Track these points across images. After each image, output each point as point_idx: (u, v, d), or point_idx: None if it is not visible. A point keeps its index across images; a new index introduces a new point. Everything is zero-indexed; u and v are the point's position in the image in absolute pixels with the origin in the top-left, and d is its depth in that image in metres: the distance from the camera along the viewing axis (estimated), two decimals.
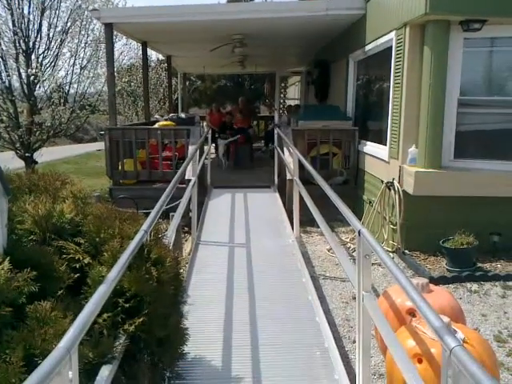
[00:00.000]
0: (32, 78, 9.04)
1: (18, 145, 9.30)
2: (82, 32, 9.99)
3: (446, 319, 2.47)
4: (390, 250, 5.63)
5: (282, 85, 18.54)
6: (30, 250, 2.03)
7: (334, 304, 4.35)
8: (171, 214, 4.65)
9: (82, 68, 10.09)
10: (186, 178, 6.12)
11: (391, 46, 6.06)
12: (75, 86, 10.05)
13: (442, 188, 5.28)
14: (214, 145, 12.36)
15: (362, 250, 2.41)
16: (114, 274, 1.84)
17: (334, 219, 6.29)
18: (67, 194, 2.58)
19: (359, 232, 2.44)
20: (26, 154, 9.27)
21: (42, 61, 9.35)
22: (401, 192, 5.48)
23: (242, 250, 5.06)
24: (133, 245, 2.13)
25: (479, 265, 4.98)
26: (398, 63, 5.80)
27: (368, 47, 7.14)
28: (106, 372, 1.74)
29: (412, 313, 3.17)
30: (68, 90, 10.09)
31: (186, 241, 5.99)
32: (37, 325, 1.66)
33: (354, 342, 3.60)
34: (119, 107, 16.55)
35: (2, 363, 1.51)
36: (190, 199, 5.39)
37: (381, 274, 5.01)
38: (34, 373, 1.20)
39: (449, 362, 1.40)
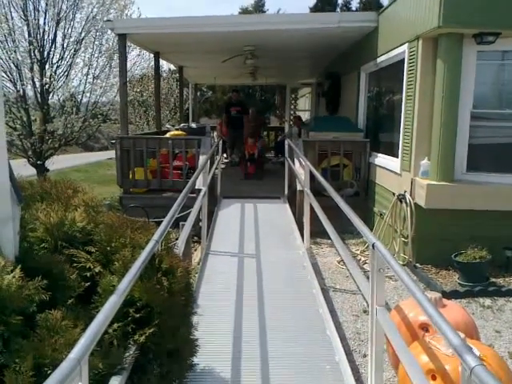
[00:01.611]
0: (46, 87, 9.15)
1: (30, 152, 9.39)
2: (96, 42, 10.13)
3: (461, 335, 2.42)
4: (401, 263, 5.56)
5: (293, 96, 18.58)
6: (42, 258, 2.02)
7: (344, 317, 4.29)
8: (181, 223, 4.64)
9: (94, 78, 10.21)
10: (197, 187, 6.12)
11: (404, 59, 6.04)
12: (88, 95, 10.17)
13: (454, 201, 5.22)
14: (224, 155, 12.40)
15: (376, 263, 2.37)
16: (125, 285, 1.82)
17: (345, 231, 6.25)
18: (79, 202, 2.57)
19: (373, 245, 2.40)
20: (38, 162, 9.36)
21: (55, 70, 9.47)
22: (412, 205, 5.43)
23: (251, 261, 5.03)
24: (144, 254, 2.12)
25: (492, 279, 4.90)
26: (410, 76, 5.78)
27: (380, 59, 7.13)
28: (115, 383, 1.71)
29: (425, 327, 3.11)
30: (81, 99, 10.20)
31: (195, 250, 5.97)
32: (47, 334, 1.64)
33: (365, 356, 3.54)
34: (131, 117, 16.70)
35: (12, 372, 1.49)
36: (200, 209, 5.38)
37: (392, 288, 4.95)
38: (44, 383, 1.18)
39: (469, 382, 1.35)
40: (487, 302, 4.58)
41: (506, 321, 4.23)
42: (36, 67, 9.15)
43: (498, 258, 5.05)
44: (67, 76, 9.62)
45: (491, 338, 3.92)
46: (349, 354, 3.57)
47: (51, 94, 9.48)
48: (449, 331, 1.53)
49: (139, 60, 13.59)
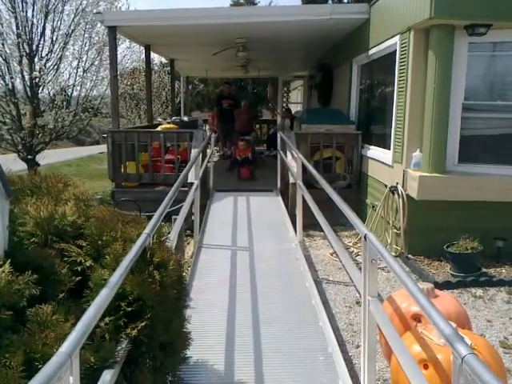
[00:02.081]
0: (35, 80, 9.04)
1: (20, 147, 9.29)
2: (86, 35, 10.01)
3: (452, 325, 2.43)
4: (393, 254, 5.58)
5: (285, 89, 18.53)
6: (32, 252, 2.00)
7: (337, 308, 4.31)
8: (174, 217, 4.63)
9: (85, 71, 10.10)
10: (189, 181, 6.09)
11: (395, 51, 6.04)
12: (78, 88, 10.06)
13: (446, 192, 5.24)
14: (216, 148, 12.36)
15: (368, 254, 2.37)
16: (116, 278, 1.81)
17: (337, 223, 6.26)
18: (69, 196, 2.55)
19: (365, 236, 2.41)
20: (29, 157, 9.27)
21: (45, 63, 9.35)
22: (404, 196, 5.45)
23: (244, 254, 5.03)
24: (135, 248, 2.10)
25: (484, 270, 4.94)
26: (402, 67, 5.78)
27: (372, 51, 7.12)
28: (107, 377, 1.71)
29: (417, 318, 3.13)
30: (71, 93, 10.10)
31: (188, 244, 5.96)
32: (37, 329, 1.63)
33: (358, 346, 3.56)
34: (122, 110, 16.57)
35: (2, 367, 1.48)
36: (192, 202, 5.36)
37: (384, 279, 4.97)
38: (34, 378, 1.17)
39: (460, 371, 1.36)
40: (479, 292, 4.61)
41: (497, 310, 4.26)
42: (25, 60, 9.04)
43: (489, 249, 5.09)
44: (57, 69, 9.52)
45: (482, 328, 3.96)
46: (342, 345, 3.58)
47: (41, 88, 9.37)
48: (440, 321, 1.53)
49: (129, 53, 13.47)
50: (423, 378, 1.98)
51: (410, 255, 5.41)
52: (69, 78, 9.93)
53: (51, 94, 9.62)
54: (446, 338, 1.45)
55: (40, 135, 9.28)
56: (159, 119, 12.33)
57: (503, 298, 4.50)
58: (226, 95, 12.13)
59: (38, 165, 9.50)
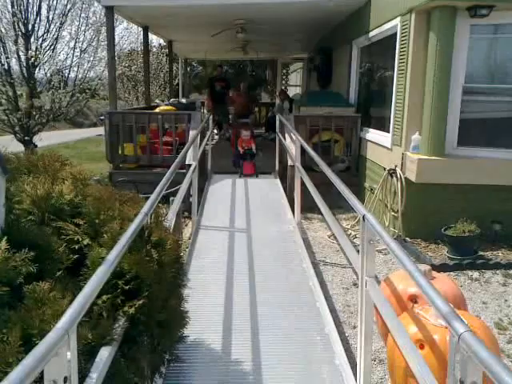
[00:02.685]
0: (31, 60, 8.94)
1: (17, 128, 9.23)
2: (83, 15, 9.88)
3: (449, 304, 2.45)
4: None
5: (284, 71, 18.38)
6: (28, 230, 1.99)
7: (334, 290, 4.33)
8: (171, 198, 4.61)
9: (82, 51, 9.99)
10: (187, 162, 6.07)
11: (396, 33, 5.97)
12: (75, 69, 9.96)
13: (444, 176, 5.24)
14: (214, 131, 12.32)
15: (366, 235, 2.37)
16: (113, 255, 1.80)
17: (335, 206, 6.26)
18: (66, 175, 2.53)
19: (364, 217, 2.40)
20: (26, 138, 9.21)
21: (41, 43, 9.24)
22: (403, 179, 5.44)
23: (242, 235, 5.03)
24: (133, 227, 2.10)
25: (480, 253, 4.96)
26: (402, 50, 5.72)
27: (372, 33, 7.04)
28: (105, 353, 1.71)
29: (414, 299, 3.14)
30: (68, 74, 10.00)
31: (186, 225, 5.96)
32: (35, 305, 1.62)
33: (355, 327, 3.59)
34: (119, 92, 16.44)
35: (0, 343, 1.48)
36: (190, 184, 5.34)
37: (382, 261, 4.99)
38: (31, 353, 1.16)
39: (457, 348, 1.37)
40: (475, 274, 4.64)
41: (493, 292, 4.29)
42: (20, 40, 8.92)
43: (486, 232, 5.11)
44: (53, 50, 9.40)
45: (478, 310, 3.99)
46: (338, 325, 3.61)
47: (37, 69, 9.27)
48: (438, 299, 1.54)
49: (127, 34, 13.33)
50: (419, 358, 2.00)
51: (407, 238, 5.42)
52: (66, 59, 9.84)
53: (48, 75, 9.51)
54: (443, 316, 1.46)
55: (37, 116, 9.21)
56: (157, 101, 12.26)
57: (499, 280, 4.53)
58: (218, 77, 12.16)
59: (35, 146, 9.44)
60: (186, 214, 6.08)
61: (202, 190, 6.74)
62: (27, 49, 8.93)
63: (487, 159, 5.30)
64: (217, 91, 11.94)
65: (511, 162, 5.24)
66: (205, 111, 12.91)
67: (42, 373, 1.30)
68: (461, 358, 1.36)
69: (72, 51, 9.80)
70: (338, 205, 6.34)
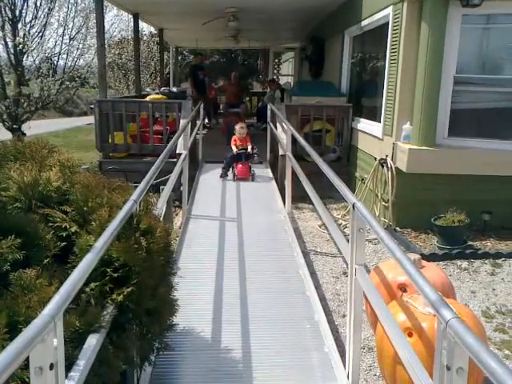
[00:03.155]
0: (19, 47, 8.79)
1: (5, 116, 9.10)
2: (71, 1, 9.74)
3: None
4: None
5: (276, 61, 18.30)
6: (15, 217, 1.97)
7: (324, 279, 4.35)
8: (162, 187, 4.59)
9: (71, 39, 9.86)
10: (178, 151, 6.04)
11: (388, 22, 5.95)
12: (64, 57, 9.83)
13: (434, 166, 5.25)
14: (206, 120, 12.25)
15: (355, 223, 2.37)
16: (101, 242, 1.79)
17: (326, 196, 6.27)
18: (54, 162, 2.50)
19: (353, 205, 2.40)
20: (14, 126, 9.09)
21: (29, 30, 9.10)
22: (394, 169, 5.45)
23: (233, 225, 5.03)
24: (122, 214, 2.08)
25: (470, 243, 5.00)
26: (394, 39, 5.70)
27: (364, 23, 7.01)
28: (93, 341, 1.70)
29: (403, 288, 3.16)
30: (57, 61, 9.87)
31: (176, 215, 5.94)
32: (21, 292, 1.61)
33: (344, 316, 3.61)
34: (110, 81, 16.27)
35: None
36: (181, 173, 5.31)
37: (371, 251, 5.02)
38: (16, 339, 1.15)
39: (444, 334, 1.37)
40: (464, 264, 4.68)
41: (481, 282, 4.34)
42: (7, 26, 8.77)
43: (475, 222, 5.14)
44: (42, 36, 9.27)
45: (466, 298, 4.03)
46: (328, 314, 3.63)
47: (25, 56, 9.13)
48: (426, 287, 1.54)
49: (117, 21, 13.17)
50: (408, 346, 2.01)
51: (397, 228, 5.45)
52: (54, 46, 9.70)
53: (36, 62, 9.38)
54: (432, 303, 1.46)
55: (25, 104, 9.09)
56: (147, 90, 12.15)
57: (487, 270, 4.57)
58: (200, 66, 12.10)
59: (24, 134, 9.32)
60: (177, 203, 6.05)
61: (193, 179, 6.71)
62: (14, 35, 8.79)
63: (477, 149, 5.32)
64: (200, 80, 11.85)
65: (501, 152, 5.27)
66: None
67: (28, 360, 1.29)
68: (448, 344, 1.36)
69: (61, 38, 9.69)
70: (328, 195, 6.35)
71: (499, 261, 4.72)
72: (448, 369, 1.38)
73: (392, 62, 5.76)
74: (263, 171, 7.51)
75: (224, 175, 6.90)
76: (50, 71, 9.43)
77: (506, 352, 3.26)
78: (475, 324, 2.59)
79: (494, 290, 4.19)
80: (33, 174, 2.22)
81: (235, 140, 7.11)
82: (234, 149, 6.98)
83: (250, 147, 7.02)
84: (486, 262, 4.71)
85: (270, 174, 7.19)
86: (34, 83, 9.17)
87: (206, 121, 12.52)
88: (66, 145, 12.92)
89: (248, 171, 6.85)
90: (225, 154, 7.06)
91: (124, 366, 2.07)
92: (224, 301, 3.42)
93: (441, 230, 5.00)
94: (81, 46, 10.08)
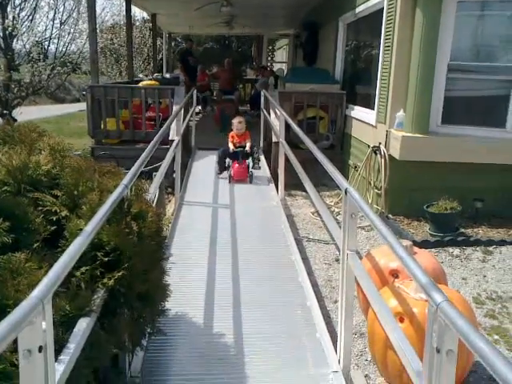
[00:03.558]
0: (8, 30, 8.65)
1: None
2: None
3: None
4: None
5: (270, 47, 18.18)
6: (3, 200, 1.94)
7: (316, 265, 4.36)
8: (154, 173, 4.56)
9: (62, 23, 9.72)
10: (170, 138, 6.00)
11: (383, 8, 5.90)
12: (55, 41, 9.70)
13: (428, 153, 5.26)
14: (199, 107, 12.18)
15: (348, 208, 2.37)
16: (92, 226, 1.77)
17: (320, 184, 6.27)
18: (44, 146, 2.47)
19: (346, 190, 2.39)
20: (4, 112, 8.99)
21: (18, 13, 8.95)
22: (387, 156, 5.45)
23: (225, 211, 5.02)
24: (112, 198, 2.06)
25: (462, 230, 5.03)
26: (388, 26, 5.66)
27: (358, 9, 6.96)
28: (83, 325, 1.69)
29: (395, 274, 3.18)
30: (48, 46, 9.74)
31: (169, 201, 5.92)
32: (10, 275, 1.59)
33: (336, 302, 3.62)
34: (102, 67, 16.10)
35: None
36: (173, 160, 5.28)
37: (364, 238, 5.03)
38: (3, 321, 1.13)
39: (435, 317, 1.38)
40: (456, 251, 4.70)
41: (472, 268, 4.37)
42: None
43: (467, 209, 5.16)
44: (32, 20, 9.13)
45: (458, 285, 4.06)
46: (320, 300, 3.64)
47: (15, 39, 8.99)
48: (417, 270, 1.54)
49: (109, 5, 13.02)
50: (399, 330, 2.02)
51: (390, 215, 5.46)
52: (45, 30, 9.56)
53: (27, 47, 9.25)
54: (423, 286, 1.46)
55: (16, 89, 8.97)
56: (140, 75, 12.04)
57: (479, 257, 4.60)
58: (190, 51, 12.01)
59: (15, 120, 9.22)
60: (170, 190, 6.03)
61: (186, 166, 6.68)
62: (3, 18, 8.64)
63: (471, 137, 5.32)
64: (191, 65, 11.78)
65: (494, 140, 5.27)
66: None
67: (17, 343, 1.28)
68: (438, 327, 1.37)
69: (51, 22, 9.54)
70: (322, 182, 6.35)
71: (490, 248, 4.75)
72: (438, 351, 1.38)
73: (386, 48, 5.73)
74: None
75: (220, 171, 6.29)
76: (41, 56, 9.31)
77: (496, 337, 3.30)
78: (465, 309, 2.61)
79: (484, 276, 4.22)
80: (22, 157, 2.19)
81: (232, 136, 6.38)
82: (231, 146, 6.27)
83: (248, 145, 6.30)
84: (478, 249, 4.74)
85: (264, 161, 7.13)
86: (25, 68, 9.05)
87: (200, 107, 12.45)
88: (58, 131, 12.79)
89: (245, 172, 6.13)
90: (220, 149, 6.44)
91: (115, 351, 2.07)
92: (216, 287, 3.42)
93: (433, 218, 5.01)
94: (72, 30, 9.97)
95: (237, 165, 6.10)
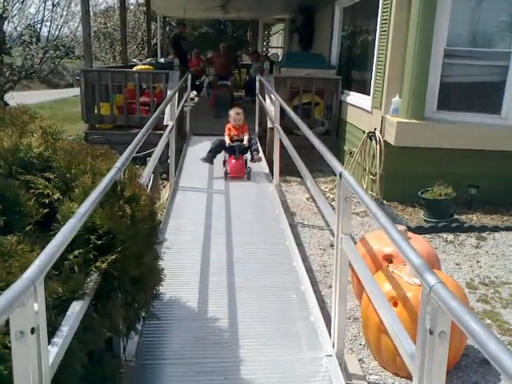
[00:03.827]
0: None
1: None
2: None
3: None
4: None
5: (266, 32, 18.01)
6: None
7: (311, 251, 4.37)
8: (148, 159, 4.53)
9: (54, 5, 9.56)
10: (164, 123, 5.95)
11: None
12: (48, 24, 9.55)
13: (423, 139, 5.25)
14: (194, 92, 12.09)
15: (342, 192, 2.36)
16: (84, 208, 1.75)
17: (315, 170, 6.26)
18: (36, 128, 2.43)
19: (340, 174, 2.38)
20: None
21: None
22: (382, 142, 5.44)
23: (220, 197, 5.00)
24: (105, 181, 2.03)
25: (456, 216, 5.05)
26: (385, 10, 5.62)
27: None
28: (76, 308, 1.68)
29: (389, 259, 3.19)
30: (40, 29, 9.59)
31: (164, 187, 5.90)
32: (1, 258, 1.57)
33: (330, 286, 3.63)
34: (96, 51, 15.92)
35: None
36: (167, 145, 5.24)
37: (358, 223, 5.04)
38: None
39: (428, 299, 1.38)
40: (450, 237, 4.72)
41: (466, 254, 4.39)
42: None
43: (462, 196, 5.18)
44: (23, 1, 8.96)
45: (451, 270, 4.08)
46: (314, 285, 3.65)
47: (6, 22, 8.84)
48: (411, 253, 1.54)
49: None
50: (393, 314, 2.02)
51: (384, 201, 5.47)
52: (37, 12, 9.40)
53: (18, 30, 9.10)
54: (416, 268, 1.46)
55: (7, 73, 8.85)
56: (134, 60, 11.91)
57: (472, 243, 4.63)
58: (183, 36, 11.89)
59: (7, 104, 9.11)
60: (164, 175, 6.00)
61: (180, 152, 6.64)
62: None
63: (466, 123, 5.32)
64: (183, 49, 11.68)
65: (489, 126, 5.28)
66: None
67: (9, 325, 1.27)
68: (431, 309, 1.37)
69: (43, 4, 9.38)
70: (317, 169, 6.34)
71: (484, 234, 4.78)
72: (431, 333, 1.39)
73: (382, 33, 5.68)
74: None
75: (208, 161, 5.76)
76: (33, 39, 9.17)
77: (488, 321, 3.32)
78: (459, 294, 2.62)
79: (478, 262, 4.25)
80: (13, 139, 2.16)
81: (229, 129, 5.87)
82: (227, 140, 5.75)
83: (246, 138, 5.77)
84: (472, 235, 4.77)
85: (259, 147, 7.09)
86: (17, 51, 8.92)
87: (195, 92, 12.35)
88: (51, 116, 12.58)
89: (243, 168, 5.65)
90: (216, 140, 5.92)
91: (109, 334, 2.06)
92: (211, 271, 3.42)
93: (427, 203, 5.03)
94: (65, 12, 9.81)
95: (233, 160, 5.61)
